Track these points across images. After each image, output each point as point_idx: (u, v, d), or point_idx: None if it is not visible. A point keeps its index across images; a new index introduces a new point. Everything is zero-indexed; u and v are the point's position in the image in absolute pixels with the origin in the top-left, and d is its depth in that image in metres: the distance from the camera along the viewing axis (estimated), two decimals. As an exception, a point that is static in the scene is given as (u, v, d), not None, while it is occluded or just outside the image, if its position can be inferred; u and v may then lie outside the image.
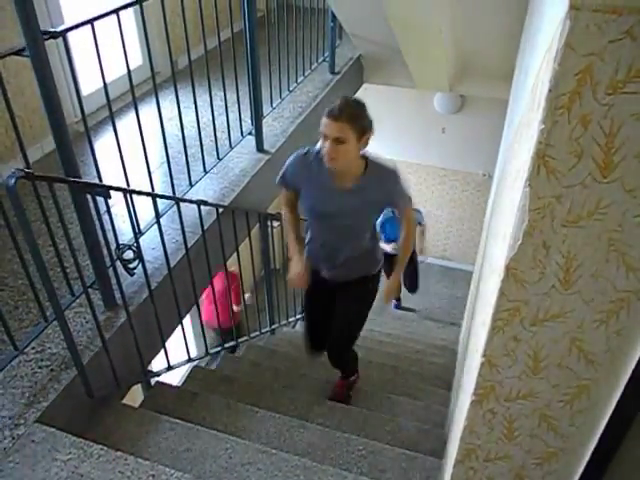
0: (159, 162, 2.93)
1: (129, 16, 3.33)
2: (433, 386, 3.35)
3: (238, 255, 3.01)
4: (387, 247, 4.70)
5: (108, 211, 2.03)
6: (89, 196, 1.89)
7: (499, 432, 1.32)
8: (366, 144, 2.00)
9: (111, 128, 2.18)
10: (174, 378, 3.45)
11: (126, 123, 3.11)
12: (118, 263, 2.03)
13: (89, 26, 1.88)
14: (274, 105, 3.47)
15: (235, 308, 4.01)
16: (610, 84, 0.81)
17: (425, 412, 2.86)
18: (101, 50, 1.96)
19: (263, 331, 3.70)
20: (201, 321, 3.32)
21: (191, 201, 2.44)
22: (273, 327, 3.86)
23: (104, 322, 2.08)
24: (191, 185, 2.77)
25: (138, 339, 2.15)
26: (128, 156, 2.29)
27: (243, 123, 3.14)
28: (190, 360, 2.73)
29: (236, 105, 3.01)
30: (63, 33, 1.79)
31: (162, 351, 2.43)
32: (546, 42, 1.02)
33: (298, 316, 4.32)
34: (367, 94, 5.02)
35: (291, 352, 3.50)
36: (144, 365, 2.29)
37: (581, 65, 0.80)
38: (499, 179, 2.38)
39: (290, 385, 2.92)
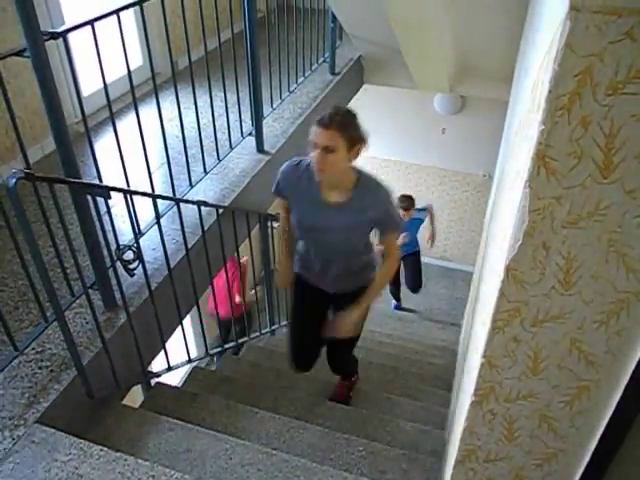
0: (159, 163, 2.93)
1: (129, 17, 3.33)
2: (433, 387, 3.35)
3: (251, 246, 3.03)
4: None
5: (108, 212, 2.04)
6: (89, 197, 1.89)
7: (499, 433, 1.32)
8: (357, 155, 1.92)
9: (111, 129, 2.18)
10: (174, 379, 3.45)
11: (126, 124, 3.12)
12: (118, 264, 2.03)
13: (89, 27, 1.89)
14: (274, 106, 3.47)
15: (237, 299, 4.00)
16: (610, 85, 0.81)
17: (425, 413, 2.86)
18: (101, 51, 1.96)
19: (263, 332, 3.70)
20: (201, 321, 3.31)
21: (191, 202, 2.44)
22: (273, 328, 3.86)
23: (104, 323, 2.08)
24: (191, 186, 2.77)
25: (138, 340, 2.15)
26: (128, 157, 2.29)
27: (243, 124, 3.14)
28: (190, 361, 2.73)
29: (236, 106, 3.02)
30: (63, 34, 1.79)
31: (162, 352, 2.43)
32: (546, 43, 1.02)
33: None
34: (367, 95, 5.04)
35: (291, 353, 3.50)
36: (144, 366, 2.28)
37: (581, 66, 0.80)
38: (499, 180, 2.38)
39: (290, 386, 2.92)
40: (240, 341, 3.36)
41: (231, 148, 3.09)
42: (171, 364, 2.54)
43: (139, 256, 2.06)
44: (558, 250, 0.98)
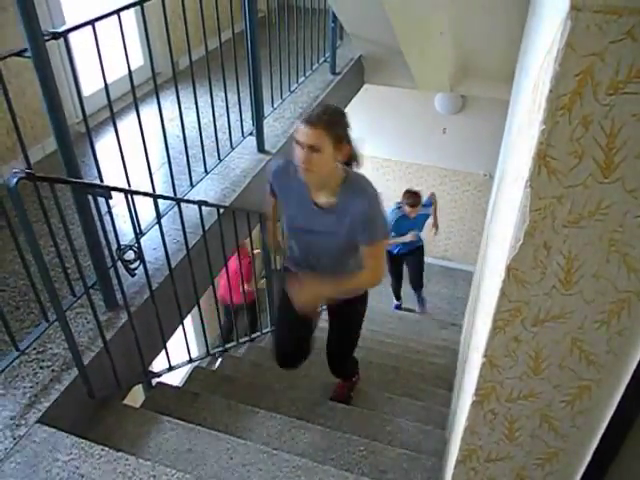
0: (160, 163, 2.93)
1: (130, 17, 3.34)
2: (434, 386, 3.35)
3: (251, 246, 3.02)
4: (403, 238, 4.69)
5: (109, 212, 2.04)
6: (90, 197, 1.89)
7: (500, 432, 1.32)
8: (345, 156, 1.86)
9: (112, 129, 2.18)
10: (175, 378, 3.45)
11: (127, 124, 3.12)
12: (119, 263, 2.03)
13: (90, 27, 1.89)
14: (275, 106, 3.47)
15: (247, 287, 4.03)
16: (611, 84, 0.81)
17: (426, 412, 2.86)
18: (102, 51, 1.97)
19: (264, 332, 3.70)
20: (202, 320, 3.32)
21: (192, 201, 2.45)
22: (274, 328, 3.86)
23: (105, 322, 2.08)
24: (192, 185, 2.78)
25: (139, 339, 2.15)
26: (129, 157, 2.29)
27: (244, 124, 3.14)
28: (191, 360, 2.73)
29: (237, 106, 3.02)
30: (64, 34, 1.79)
31: (163, 351, 2.43)
32: (547, 43, 1.02)
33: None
34: (368, 95, 5.04)
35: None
36: (145, 365, 2.29)
37: (582, 66, 0.80)
38: (500, 179, 2.38)
39: (291, 385, 2.92)
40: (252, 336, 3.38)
41: (232, 148, 3.09)
42: (172, 364, 2.55)
43: (140, 256, 2.06)
44: (559, 250, 0.98)
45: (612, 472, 1.21)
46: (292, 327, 2.36)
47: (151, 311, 2.18)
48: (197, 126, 2.71)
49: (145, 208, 2.38)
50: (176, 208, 2.33)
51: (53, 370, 1.93)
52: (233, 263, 3.76)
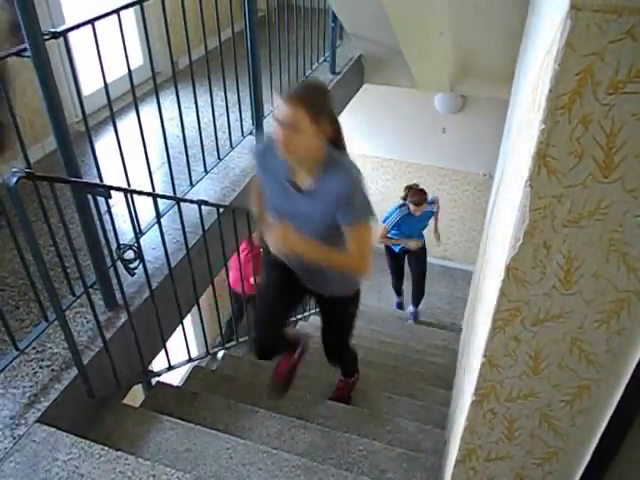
0: (160, 162, 2.93)
1: (130, 16, 3.33)
2: (434, 386, 3.35)
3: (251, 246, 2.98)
4: (407, 244, 4.63)
5: (109, 211, 2.04)
6: (90, 196, 1.89)
7: (500, 432, 1.32)
8: (327, 136, 1.74)
9: (112, 128, 2.18)
10: (175, 378, 3.45)
11: (127, 123, 3.12)
12: (119, 263, 2.03)
13: (90, 26, 1.89)
14: (275, 105, 3.46)
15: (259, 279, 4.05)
16: (611, 84, 0.81)
17: (426, 412, 2.86)
18: (102, 50, 1.97)
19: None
20: (201, 320, 3.32)
21: (192, 201, 2.45)
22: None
23: (105, 322, 2.08)
24: (192, 185, 2.78)
25: (139, 339, 2.15)
26: (129, 156, 2.29)
27: (244, 123, 3.14)
28: (191, 360, 2.73)
29: (237, 105, 3.01)
30: (64, 33, 1.79)
31: (163, 351, 2.43)
32: (546, 42, 1.02)
33: (299, 316, 4.32)
34: (368, 94, 5.04)
35: (292, 352, 3.50)
36: (145, 365, 2.29)
37: (582, 65, 0.80)
38: (500, 179, 2.38)
39: (291, 385, 2.92)
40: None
41: (232, 147, 3.09)
42: (172, 363, 2.55)
43: (140, 255, 2.06)
44: (559, 249, 0.98)
45: (612, 472, 1.21)
46: (273, 310, 2.25)
47: (151, 311, 2.18)
48: (197, 125, 2.71)
49: (145, 207, 2.37)
50: (176, 207, 2.33)
51: (53, 370, 1.93)
52: (245, 253, 3.83)
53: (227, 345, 3.25)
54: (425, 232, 4.91)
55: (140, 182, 2.43)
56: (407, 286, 5.54)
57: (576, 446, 1.27)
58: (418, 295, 5.30)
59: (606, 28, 0.77)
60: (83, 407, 2.00)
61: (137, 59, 3.53)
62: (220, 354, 3.52)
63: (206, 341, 2.90)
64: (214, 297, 2.88)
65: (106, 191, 1.88)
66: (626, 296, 1.00)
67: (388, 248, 4.88)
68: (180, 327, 2.50)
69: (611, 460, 1.20)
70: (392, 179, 6.72)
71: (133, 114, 2.31)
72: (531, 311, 1.08)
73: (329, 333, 2.42)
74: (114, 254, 2.03)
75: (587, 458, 1.24)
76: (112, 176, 2.31)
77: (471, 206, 6.56)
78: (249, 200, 2.31)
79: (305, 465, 2.00)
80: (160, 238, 2.21)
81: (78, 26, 1.85)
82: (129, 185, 2.27)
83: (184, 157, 2.67)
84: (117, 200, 2.10)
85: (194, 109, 2.65)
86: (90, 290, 2.01)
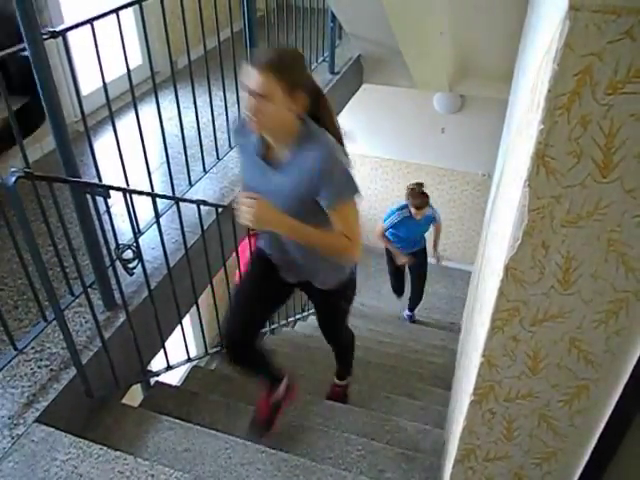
0: (159, 162, 2.93)
1: (129, 16, 3.33)
2: (432, 386, 3.35)
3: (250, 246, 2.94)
4: (397, 256, 4.54)
5: (108, 211, 2.03)
6: (89, 196, 1.89)
7: (498, 432, 1.32)
8: (302, 106, 1.59)
9: (111, 128, 2.18)
10: (173, 378, 3.44)
11: (126, 123, 3.11)
12: (118, 263, 2.03)
13: (89, 26, 1.88)
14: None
15: None
16: (609, 84, 0.81)
17: (424, 412, 2.86)
18: (101, 50, 1.96)
19: (263, 331, 3.70)
20: (200, 320, 3.32)
21: (191, 201, 2.44)
22: (273, 327, 3.86)
23: (103, 322, 2.08)
24: (191, 185, 2.77)
25: (137, 339, 2.15)
26: (128, 156, 2.28)
27: (243, 123, 3.14)
28: (190, 360, 2.73)
29: (236, 105, 3.01)
30: (63, 33, 1.79)
31: (161, 351, 2.43)
32: (545, 42, 1.02)
33: (298, 316, 4.32)
34: (367, 94, 5.04)
35: (291, 352, 3.50)
36: (143, 365, 2.29)
37: (580, 65, 0.81)
38: (498, 179, 2.39)
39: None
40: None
41: (230, 147, 3.09)
42: (170, 363, 2.54)
43: (138, 255, 2.06)
44: (557, 249, 0.99)
45: (610, 472, 1.21)
46: (248, 303, 2.05)
47: (149, 310, 2.18)
48: (196, 125, 2.71)
49: (144, 207, 2.37)
50: (175, 207, 2.33)
51: (51, 369, 1.93)
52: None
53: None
54: (427, 235, 4.84)
55: (139, 182, 2.43)
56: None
57: (575, 446, 1.27)
58: (415, 299, 5.21)
59: (605, 28, 0.77)
60: (82, 407, 2.00)
61: (136, 59, 3.53)
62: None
63: (205, 341, 2.89)
64: (213, 297, 2.87)
65: (105, 191, 1.88)
66: (625, 296, 1.00)
67: (388, 249, 4.81)
68: (179, 327, 2.50)
69: (610, 460, 1.20)
70: (391, 179, 6.73)
71: (132, 114, 2.31)
72: (530, 311, 1.08)
73: (324, 330, 2.39)
74: (113, 254, 2.02)
75: (586, 458, 1.24)
76: (111, 176, 2.30)
77: (470, 206, 6.57)
78: None
79: (304, 465, 2.00)
80: (159, 238, 2.21)
81: (77, 26, 1.84)
82: (128, 185, 2.27)
83: (183, 157, 2.67)
84: (116, 200, 2.10)
85: (193, 109, 2.64)
86: (89, 290, 2.01)
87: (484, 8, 3.22)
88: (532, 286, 1.04)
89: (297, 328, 4.28)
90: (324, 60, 4.08)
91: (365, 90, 4.73)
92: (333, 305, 2.20)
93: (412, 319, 5.42)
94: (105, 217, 2.00)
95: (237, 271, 3.94)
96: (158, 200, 2.23)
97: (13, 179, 1.57)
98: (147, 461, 1.77)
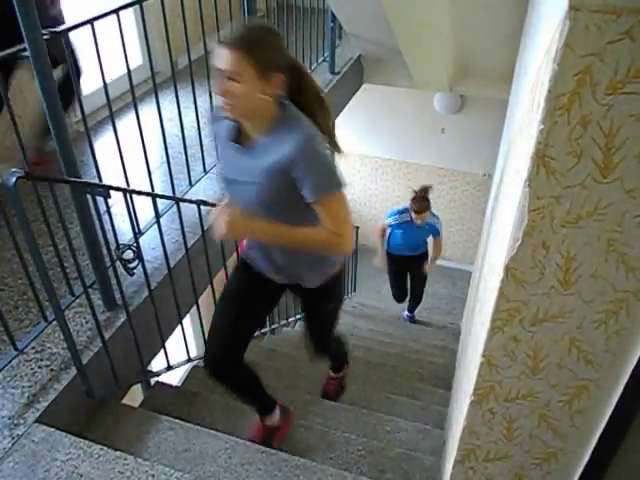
0: (159, 162, 2.93)
1: (129, 16, 3.33)
2: (433, 386, 3.35)
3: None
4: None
5: (108, 211, 2.03)
6: (89, 196, 1.89)
7: (498, 432, 1.32)
8: (277, 87, 1.45)
9: (111, 128, 2.18)
10: (174, 378, 3.44)
11: (126, 123, 3.11)
12: (118, 263, 2.03)
13: (89, 26, 1.89)
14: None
15: None
16: (609, 84, 0.81)
17: (425, 412, 2.86)
18: (101, 50, 1.96)
19: (263, 331, 3.70)
20: (201, 320, 3.32)
21: (191, 201, 2.44)
22: (273, 327, 3.86)
23: (104, 322, 2.08)
24: (191, 185, 2.78)
25: (138, 339, 2.15)
26: (128, 156, 2.29)
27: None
28: (190, 360, 2.73)
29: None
30: (63, 33, 1.79)
31: (162, 351, 2.43)
32: (545, 42, 1.02)
33: (298, 316, 4.32)
34: (367, 94, 5.04)
35: (291, 352, 3.50)
36: (144, 365, 2.29)
37: (580, 65, 0.81)
38: (499, 179, 2.38)
39: (290, 385, 2.92)
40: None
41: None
42: (171, 363, 2.54)
43: (139, 255, 2.06)
44: (558, 249, 0.99)
45: (611, 472, 1.21)
46: (234, 316, 1.91)
47: (150, 311, 2.18)
48: (196, 125, 2.71)
49: (144, 207, 2.37)
50: (175, 207, 2.33)
51: (52, 369, 1.93)
52: None
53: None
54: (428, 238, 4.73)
55: (139, 182, 2.43)
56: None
57: (575, 446, 1.27)
58: (415, 301, 5.16)
59: (605, 28, 0.77)
60: (82, 407, 2.00)
61: (136, 59, 3.53)
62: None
63: (205, 341, 2.89)
64: (213, 297, 2.87)
65: (105, 191, 1.88)
66: (625, 296, 1.00)
67: (388, 251, 4.72)
68: (179, 327, 2.50)
69: (610, 460, 1.20)
70: (391, 179, 6.73)
71: (132, 114, 2.31)
72: (530, 311, 1.08)
73: (312, 334, 2.17)
74: (113, 254, 2.02)
75: (586, 458, 1.24)
76: (111, 176, 2.31)
77: (470, 206, 6.57)
78: None
79: (304, 465, 2.00)
80: (159, 238, 2.21)
81: (77, 26, 1.85)
82: (128, 185, 2.27)
83: (183, 157, 2.67)
84: (116, 200, 2.10)
85: (193, 109, 2.65)
86: (89, 290, 2.01)
87: (484, 8, 3.22)
88: (532, 286, 1.04)
89: (297, 328, 4.28)
90: (324, 60, 4.08)
91: (365, 90, 4.73)
92: (323, 305, 2.03)
93: (412, 320, 5.42)
94: (105, 217, 2.00)
95: None
96: (158, 200, 2.23)
97: (14, 179, 1.57)
98: (147, 461, 1.77)
